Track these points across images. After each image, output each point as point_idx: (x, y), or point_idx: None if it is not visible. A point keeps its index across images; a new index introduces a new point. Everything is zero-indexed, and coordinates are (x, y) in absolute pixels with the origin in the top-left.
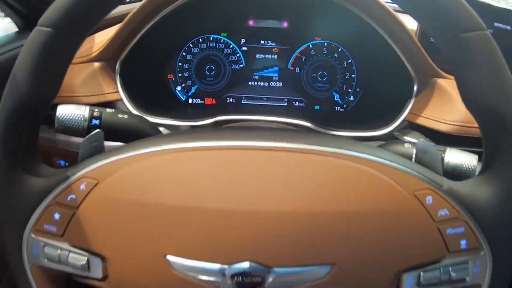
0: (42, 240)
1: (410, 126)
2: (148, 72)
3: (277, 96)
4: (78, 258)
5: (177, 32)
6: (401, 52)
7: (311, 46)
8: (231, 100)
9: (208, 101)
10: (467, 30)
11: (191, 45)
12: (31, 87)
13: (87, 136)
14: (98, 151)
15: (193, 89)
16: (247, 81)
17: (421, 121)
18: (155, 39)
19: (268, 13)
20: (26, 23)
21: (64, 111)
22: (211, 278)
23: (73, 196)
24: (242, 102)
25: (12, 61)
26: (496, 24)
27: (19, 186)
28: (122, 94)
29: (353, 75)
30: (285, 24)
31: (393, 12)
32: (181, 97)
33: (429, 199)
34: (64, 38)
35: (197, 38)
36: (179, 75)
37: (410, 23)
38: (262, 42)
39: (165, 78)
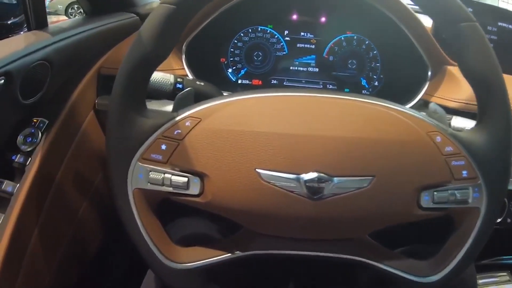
0: (148, 166)
1: (425, 104)
2: (206, 54)
3: (314, 79)
4: (180, 179)
5: (232, 23)
6: (418, 44)
7: (343, 38)
8: (275, 82)
9: (255, 82)
10: (462, 21)
11: (242, 34)
12: (152, 46)
13: (182, 92)
14: (188, 104)
15: (242, 72)
16: (289, 66)
17: (434, 100)
18: (214, 28)
19: (308, 10)
20: (93, 9)
21: (155, 76)
22: (290, 184)
23: (179, 131)
24: (284, 84)
25: (90, 39)
26: (499, 24)
27: (132, 124)
28: (187, 70)
29: (377, 64)
30: (322, 19)
31: (412, 11)
32: (231, 77)
33: (438, 138)
34: (181, 12)
35: (247, 28)
36: (231, 59)
37: (426, 21)
38: (302, 33)
39: (219, 61)
